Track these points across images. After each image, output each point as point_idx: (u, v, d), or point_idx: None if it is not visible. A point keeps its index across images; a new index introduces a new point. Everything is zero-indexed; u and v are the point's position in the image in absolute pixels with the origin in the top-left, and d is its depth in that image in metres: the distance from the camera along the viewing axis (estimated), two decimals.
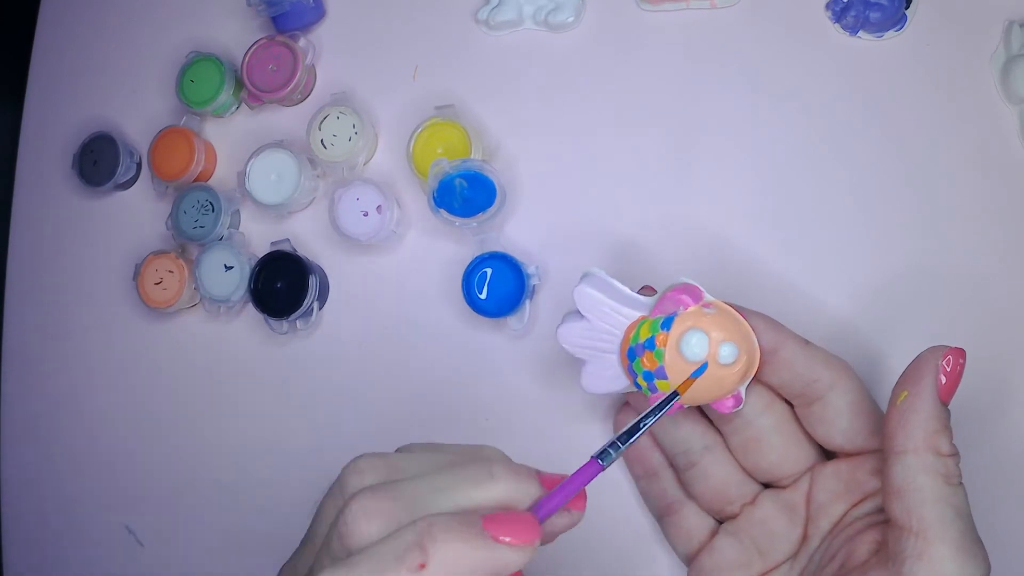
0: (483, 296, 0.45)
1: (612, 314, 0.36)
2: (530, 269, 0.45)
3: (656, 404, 0.33)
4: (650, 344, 0.35)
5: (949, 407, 0.32)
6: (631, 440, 0.31)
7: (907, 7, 0.43)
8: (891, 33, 0.43)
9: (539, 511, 0.29)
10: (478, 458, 0.31)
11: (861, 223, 0.43)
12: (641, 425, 0.32)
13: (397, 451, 0.32)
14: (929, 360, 0.32)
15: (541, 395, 0.45)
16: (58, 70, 0.59)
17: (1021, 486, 0.39)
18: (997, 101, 0.42)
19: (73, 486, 0.54)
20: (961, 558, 0.29)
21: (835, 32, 0.44)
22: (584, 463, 0.31)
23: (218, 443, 0.51)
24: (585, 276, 0.36)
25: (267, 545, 0.50)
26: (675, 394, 0.33)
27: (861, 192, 0.43)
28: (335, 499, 0.30)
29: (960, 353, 0.32)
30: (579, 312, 0.36)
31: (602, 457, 0.31)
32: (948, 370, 0.31)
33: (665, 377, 0.35)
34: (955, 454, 0.31)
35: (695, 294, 0.34)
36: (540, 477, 0.30)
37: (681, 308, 0.34)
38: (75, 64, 0.59)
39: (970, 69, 0.42)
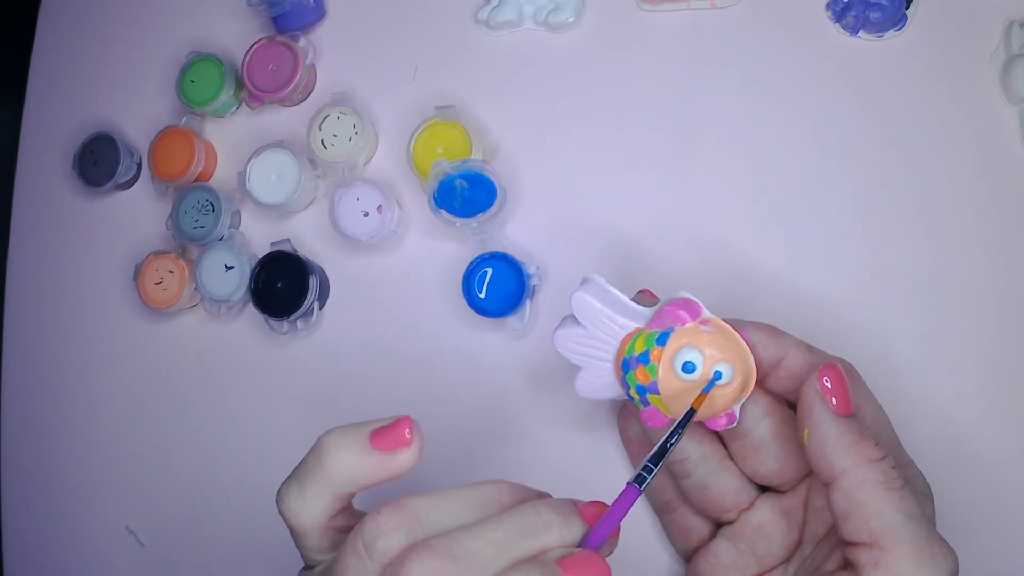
0: (483, 296, 0.45)
1: (608, 323, 0.35)
2: (530, 269, 0.45)
3: (676, 423, 0.33)
4: (644, 358, 0.34)
5: (856, 415, 0.32)
6: (661, 462, 0.31)
7: (907, 7, 0.43)
8: (891, 33, 0.43)
9: (591, 546, 0.29)
10: (504, 498, 0.29)
11: (861, 222, 0.43)
12: (668, 446, 0.32)
13: (401, 501, 0.29)
14: (809, 391, 0.32)
15: (541, 395, 0.45)
16: (58, 70, 0.59)
17: None
18: (997, 101, 0.42)
19: (73, 486, 0.54)
20: (918, 559, 0.29)
21: (835, 32, 0.44)
22: (622, 491, 0.30)
23: (218, 443, 0.51)
24: (584, 283, 0.35)
25: (267, 545, 0.50)
26: (692, 411, 0.33)
27: (861, 191, 0.43)
28: (362, 562, 0.27)
29: (830, 367, 0.32)
30: (575, 318, 0.36)
31: (638, 481, 0.30)
32: (830, 387, 0.32)
33: (658, 392, 0.34)
34: (885, 456, 0.31)
35: (693, 310, 0.34)
36: (578, 508, 0.29)
37: (677, 324, 0.34)
38: (75, 64, 0.59)
39: (970, 69, 0.42)
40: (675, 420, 0.34)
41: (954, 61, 0.42)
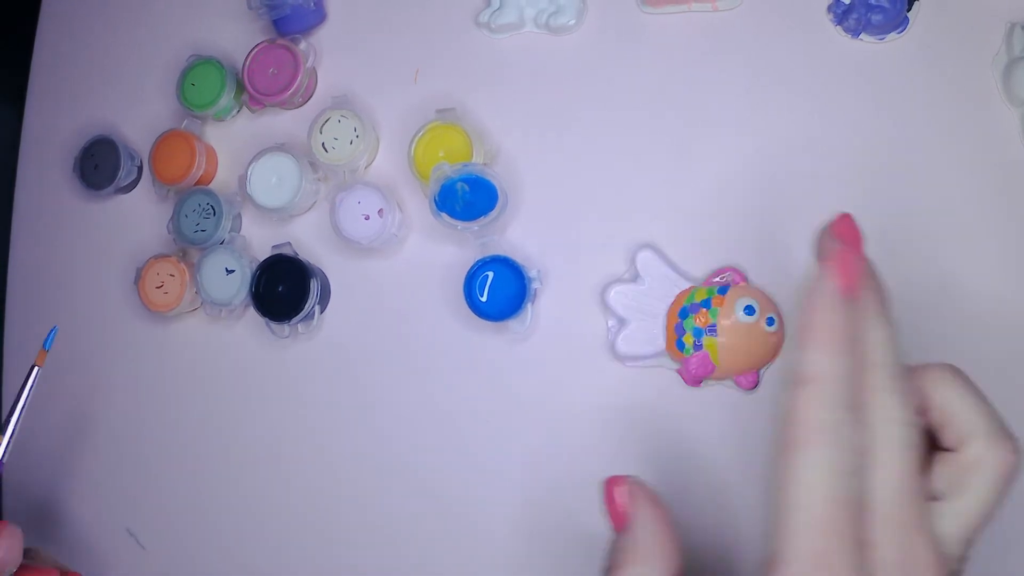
0: (484, 299, 0.45)
1: (667, 280, 0.43)
2: (532, 272, 0.45)
3: (27, 382, 0.42)
4: (706, 303, 0.41)
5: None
6: (12, 426, 0.39)
7: (909, 9, 0.43)
8: (893, 35, 0.43)
9: None
10: None
11: (862, 223, 0.42)
12: (16, 404, 0.39)
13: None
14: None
15: (542, 398, 0.45)
16: (59, 74, 0.59)
17: None
18: (999, 103, 0.42)
19: (73, 488, 0.54)
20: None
21: (837, 34, 0.44)
22: None
23: (219, 446, 0.51)
24: (644, 247, 0.43)
25: (267, 548, 0.50)
26: (35, 367, 0.42)
27: (862, 192, 0.43)
28: None
29: (843, 218, 0.27)
30: (638, 273, 0.43)
31: None
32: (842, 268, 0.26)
33: (715, 333, 0.40)
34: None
35: (742, 275, 0.42)
36: None
37: (735, 281, 0.42)
38: (76, 68, 0.59)
39: (972, 71, 0.42)
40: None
41: (956, 63, 0.42)
